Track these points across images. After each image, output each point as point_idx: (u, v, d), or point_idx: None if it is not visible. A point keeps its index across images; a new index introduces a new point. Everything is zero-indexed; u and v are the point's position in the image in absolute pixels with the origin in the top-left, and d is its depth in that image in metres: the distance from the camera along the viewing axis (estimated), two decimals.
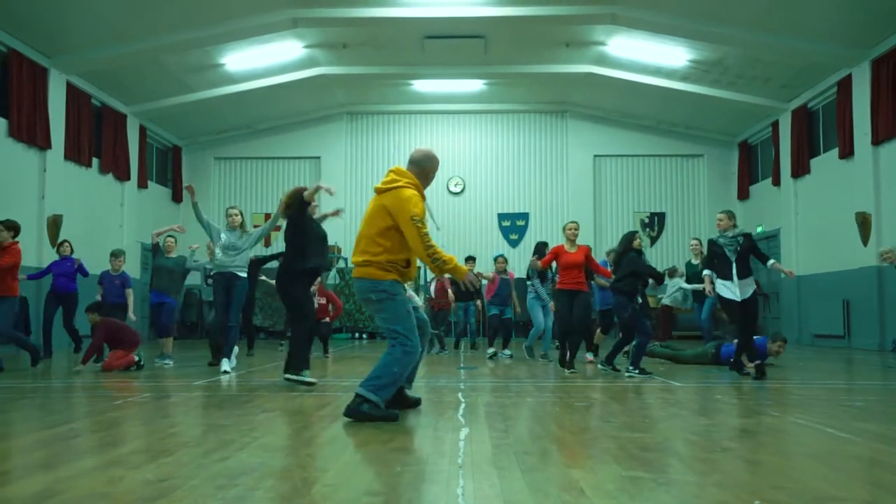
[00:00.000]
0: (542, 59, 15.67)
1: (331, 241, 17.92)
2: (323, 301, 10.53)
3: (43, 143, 12.79)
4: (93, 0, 11.45)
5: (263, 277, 11.54)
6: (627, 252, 8.17)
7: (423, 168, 4.98)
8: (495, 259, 11.35)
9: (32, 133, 12.54)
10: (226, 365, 7.97)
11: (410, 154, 5.10)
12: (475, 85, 17.69)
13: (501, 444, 3.80)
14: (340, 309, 11.25)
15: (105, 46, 13.05)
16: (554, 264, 8.91)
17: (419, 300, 10.53)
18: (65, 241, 11.14)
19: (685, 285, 11.18)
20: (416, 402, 5.17)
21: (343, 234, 18.39)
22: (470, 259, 11.60)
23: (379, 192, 4.86)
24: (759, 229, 17.14)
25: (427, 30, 13.81)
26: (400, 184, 4.81)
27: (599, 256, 11.50)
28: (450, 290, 11.86)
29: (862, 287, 13.00)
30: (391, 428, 4.32)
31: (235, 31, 13.21)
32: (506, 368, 8.98)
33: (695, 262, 11.01)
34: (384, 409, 4.61)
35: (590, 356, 9.50)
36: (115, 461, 3.36)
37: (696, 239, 11.35)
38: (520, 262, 16.77)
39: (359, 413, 4.50)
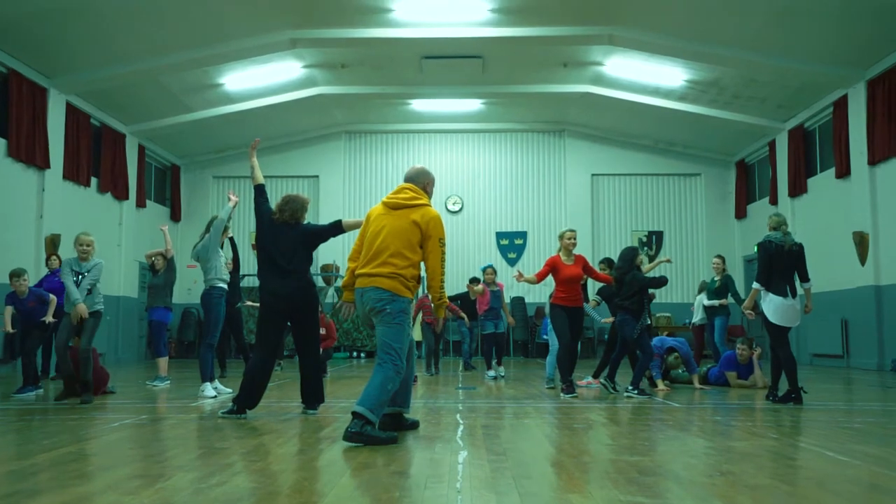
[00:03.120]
0: (540, 79, 15.77)
1: (328, 260, 18.16)
2: (323, 332, 10.41)
3: (42, 163, 12.82)
4: (93, 21, 11.53)
5: (249, 303, 11.80)
6: (631, 270, 8.06)
7: (419, 184, 5.09)
8: (483, 270, 11.08)
9: (31, 153, 12.56)
10: (210, 390, 7.74)
11: (406, 173, 5.16)
12: (473, 104, 17.77)
13: (500, 467, 3.78)
14: (334, 340, 11.26)
15: (105, 67, 13.11)
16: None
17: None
18: (53, 254, 11.11)
19: (706, 301, 11.03)
20: (413, 425, 5.15)
21: (342, 253, 18.40)
22: (474, 280, 11.35)
23: (397, 206, 4.92)
24: (756, 248, 17.13)
25: (425, 50, 13.90)
26: (424, 201, 4.96)
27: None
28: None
29: (860, 306, 13.01)
30: (389, 451, 4.30)
31: (234, 52, 13.30)
32: (504, 389, 8.94)
33: (716, 279, 10.94)
34: (382, 431, 4.61)
35: (588, 379, 9.34)
36: (112, 486, 3.34)
37: (719, 256, 11.22)
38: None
39: (361, 437, 4.44)
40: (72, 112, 13.84)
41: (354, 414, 4.50)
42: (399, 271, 4.75)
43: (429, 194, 5.11)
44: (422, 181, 5.10)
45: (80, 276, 7.34)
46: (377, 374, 4.66)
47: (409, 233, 4.80)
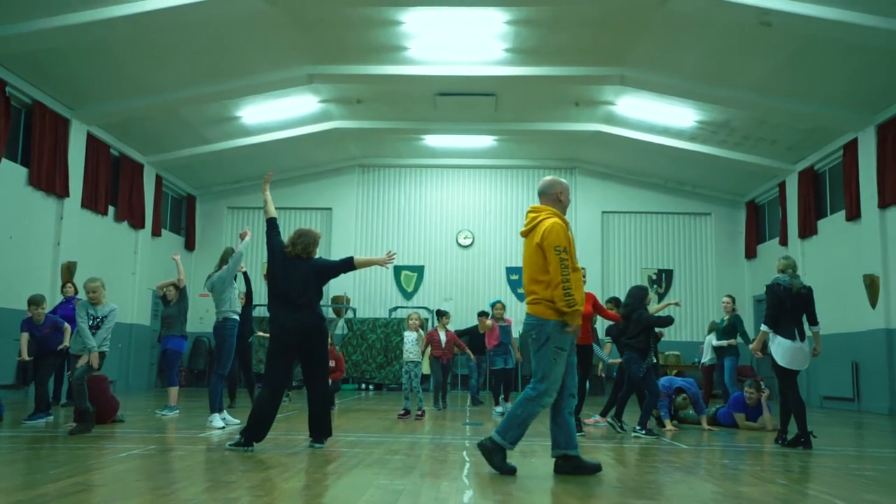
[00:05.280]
0: (552, 118, 15.94)
1: (338, 292, 18.23)
2: (332, 364, 10.50)
3: (61, 192, 13.01)
4: (115, 54, 11.78)
5: (260, 333, 11.89)
6: (638, 309, 8.10)
7: (551, 194, 5.32)
8: (492, 305, 11.06)
9: (51, 182, 12.76)
10: (218, 421, 7.78)
11: (538, 189, 5.41)
12: (486, 141, 17.94)
13: None
14: (342, 372, 11.43)
15: (126, 99, 13.36)
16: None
17: (417, 351, 10.10)
18: (68, 281, 11.21)
19: (715, 342, 11.01)
20: (595, 468, 5.07)
21: (352, 285, 18.50)
22: (484, 314, 11.34)
23: (525, 234, 5.21)
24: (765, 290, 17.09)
25: (439, 87, 14.09)
26: (541, 217, 5.17)
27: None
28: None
29: (871, 349, 12.91)
30: (396, 488, 4.32)
31: (253, 86, 13.52)
32: None
33: (725, 318, 10.94)
34: (507, 463, 4.96)
35: (595, 417, 9.32)
36: None
37: (730, 296, 11.23)
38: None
39: (487, 453, 4.94)
40: (92, 142, 14.06)
41: (490, 440, 4.96)
42: (540, 297, 4.97)
43: (563, 202, 5.31)
44: (553, 191, 5.31)
45: (95, 320, 7.37)
46: (519, 396, 5.01)
47: (535, 256, 5.03)
